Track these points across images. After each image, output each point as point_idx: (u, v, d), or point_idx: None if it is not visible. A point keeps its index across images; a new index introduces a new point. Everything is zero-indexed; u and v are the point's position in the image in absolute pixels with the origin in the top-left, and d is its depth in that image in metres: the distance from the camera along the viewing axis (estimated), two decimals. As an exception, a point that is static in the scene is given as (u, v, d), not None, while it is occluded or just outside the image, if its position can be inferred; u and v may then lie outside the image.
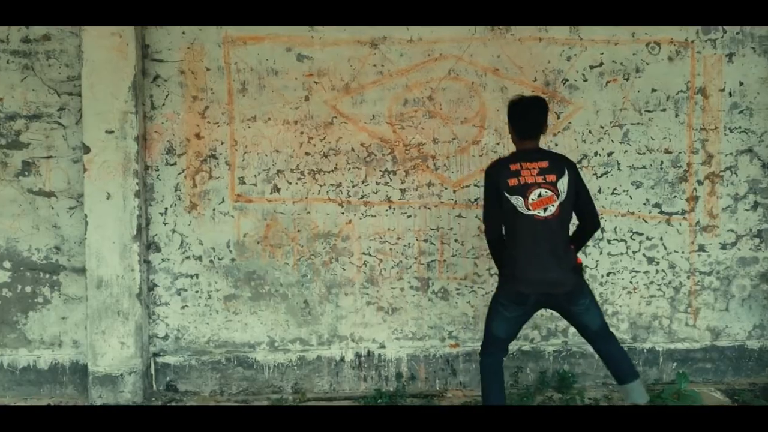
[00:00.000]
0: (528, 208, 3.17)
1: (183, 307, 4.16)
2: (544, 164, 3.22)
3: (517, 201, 3.18)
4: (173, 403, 4.08)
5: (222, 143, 4.10)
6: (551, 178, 3.19)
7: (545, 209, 3.17)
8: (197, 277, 4.15)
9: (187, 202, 4.11)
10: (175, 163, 4.10)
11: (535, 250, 3.19)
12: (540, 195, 3.17)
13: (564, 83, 4.19)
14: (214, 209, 4.12)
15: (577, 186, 3.27)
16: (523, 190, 3.18)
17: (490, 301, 3.46)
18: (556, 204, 3.17)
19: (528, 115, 3.30)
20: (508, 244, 3.29)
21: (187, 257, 4.14)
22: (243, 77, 4.07)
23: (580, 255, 3.45)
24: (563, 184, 3.20)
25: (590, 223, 3.37)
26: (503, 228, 3.31)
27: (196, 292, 4.16)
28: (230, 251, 4.14)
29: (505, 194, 3.20)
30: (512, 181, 3.20)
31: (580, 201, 3.28)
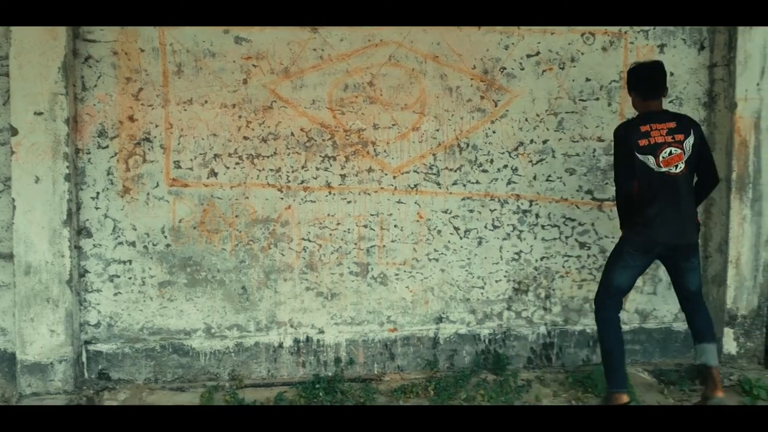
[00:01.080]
0: (660, 166, 3.46)
1: (116, 294, 4.07)
2: (672, 125, 3.51)
3: (647, 159, 3.47)
4: (105, 393, 3.99)
5: (156, 126, 4.00)
6: (679, 137, 3.49)
7: (676, 166, 3.47)
8: (130, 263, 4.06)
9: (120, 186, 4.01)
10: (107, 146, 3.98)
11: (667, 205, 3.49)
12: (671, 153, 3.47)
13: (502, 71, 4.24)
14: (148, 194, 4.02)
15: (701, 145, 3.57)
16: (654, 150, 3.47)
17: (610, 255, 3.75)
18: (684, 161, 3.48)
19: (652, 78, 3.59)
20: (639, 199, 3.52)
21: (120, 243, 4.04)
22: (179, 59, 3.98)
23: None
24: (689, 144, 3.50)
25: (709, 180, 3.68)
26: (635, 185, 3.53)
27: (130, 278, 4.06)
28: (165, 237, 4.06)
29: (636, 154, 3.48)
30: (642, 142, 3.48)
31: (702, 159, 3.58)
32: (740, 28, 4.25)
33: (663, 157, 3.46)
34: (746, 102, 4.29)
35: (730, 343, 4.37)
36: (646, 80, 3.59)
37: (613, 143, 3.68)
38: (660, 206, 3.49)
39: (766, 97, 4.31)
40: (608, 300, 3.70)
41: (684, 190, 3.51)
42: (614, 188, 3.77)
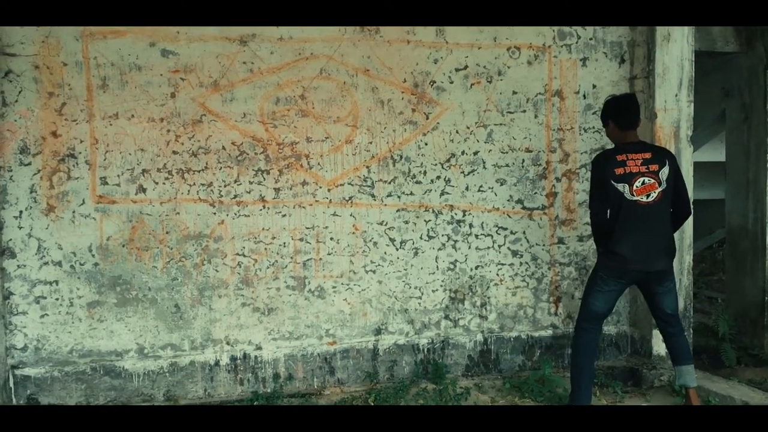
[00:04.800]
0: (632, 194, 3.59)
1: (42, 316, 3.92)
2: (647, 155, 3.65)
3: (623, 188, 3.61)
4: (33, 419, 3.83)
5: (81, 142, 3.90)
6: (654, 167, 3.64)
7: (648, 195, 3.61)
8: (57, 284, 3.92)
9: (44, 204, 3.88)
10: (29, 163, 3.85)
11: (637, 232, 3.62)
12: (643, 183, 3.61)
13: (432, 85, 4.32)
14: (73, 211, 3.91)
15: (676, 176, 3.72)
16: (628, 178, 3.61)
17: (588, 280, 3.88)
18: (658, 191, 3.62)
19: (630, 110, 3.75)
20: (612, 225, 3.67)
21: (46, 263, 3.90)
22: (103, 72, 3.90)
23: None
24: (664, 174, 3.64)
25: (682, 212, 3.80)
26: (608, 212, 3.69)
27: (57, 299, 3.93)
28: (93, 255, 3.95)
29: (612, 182, 3.62)
30: (618, 170, 3.62)
31: (676, 190, 3.71)
32: (658, 41, 4.44)
33: (636, 186, 3.60)
34: (665, 112, 4.49)
35: (659, 345, 4.49)
36: (624, 111, 3.73)
37: (590, 171, 3.83)
38: (629, 233, 3.62)
39: (685, 108, 4.52)
40: (586, 324, 3.80)
41: (654, 218, 3.63)
42: (588, 213, 3.93)
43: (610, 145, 4.52)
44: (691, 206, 3.87)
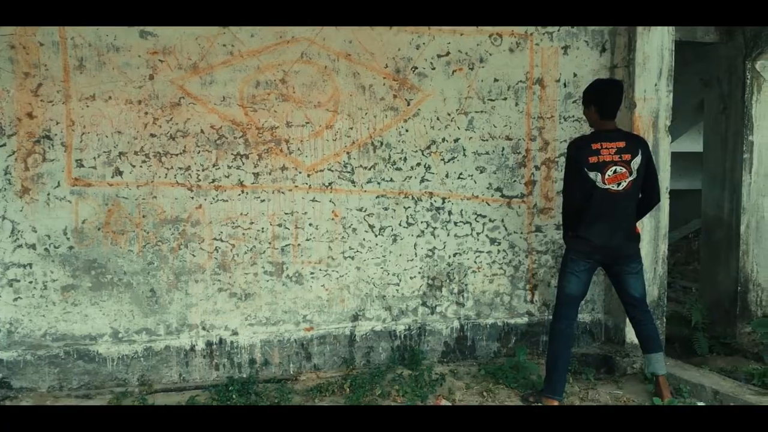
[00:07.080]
0: (604, 183, 3.65)
1: (16, 299, 3.87)
2: (622, 144, 3.69)
3: (595, 176, 3.66)
4: (7, 401, 3.80)
5: (57, 123, 3.83)
6: (626, 157, 3.68)
7: (618, 184, 3.67)
8: (31, 267, 3.87)
9: (19, 186, 3.82)
10: (4, 145, 3.78)
11: (606, 220, 3.70)
12: (615, 171, 3.66)
13: (413, 71, 4.30)
14: (48, 194, 3.85)
15: (648, 165, 3.76)
16: (601, 167, 3.66)
17: (560, 268, 3.95)
18: (628, 180, 3.68)
19: (612, 96, 3.76)
20: (583, 212, 3.73)
21: (19, 245, 3.85)
22: (80, 53, 3.83)
23: (638, 225, 3.97)
24: (636, 163, 3.69)
25: (652, 199, 3.88)
26: (579, 197, 3.74)
27: (30, 282, 3.88)
28: (68, 239, 3.90)
29: (585, 170, 3.66)
30: (592, 159, 3.66)
31: (647, 178, 3.77)
32: (639, 31, 4.45)
33: (608, 175, 3.65)
34: (645, 102, 4.51)
35: (632, 333, 4.51)
36: (610, 98, 3.75)
37: (565, 157, 3.88)
38: (599, 221, 3.70)
39: (664, 98, 4.54)
40: (563, 309, 3.86)
41: (622, 206, 3.71)
42: (560, 198, 4.02)
43: (590, 135, 4.57)
44: (661, 195, 3.93)
